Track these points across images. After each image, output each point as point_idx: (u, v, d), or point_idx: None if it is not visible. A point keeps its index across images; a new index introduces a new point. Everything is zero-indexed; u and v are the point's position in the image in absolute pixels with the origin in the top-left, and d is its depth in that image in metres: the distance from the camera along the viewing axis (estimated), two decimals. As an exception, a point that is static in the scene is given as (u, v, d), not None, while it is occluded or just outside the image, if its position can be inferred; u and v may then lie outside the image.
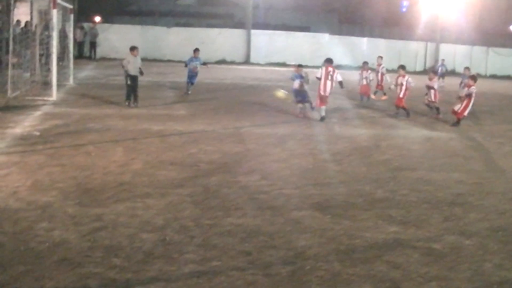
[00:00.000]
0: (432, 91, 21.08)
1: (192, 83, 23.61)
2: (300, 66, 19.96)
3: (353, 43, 47.42)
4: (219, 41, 46.40)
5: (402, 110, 20.72)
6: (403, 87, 20.67)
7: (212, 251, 7.38)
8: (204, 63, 23.83)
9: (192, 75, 23.48)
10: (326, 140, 15.76)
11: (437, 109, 21.15)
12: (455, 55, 48.91)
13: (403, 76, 20.93)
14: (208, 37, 45.90)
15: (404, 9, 58.00)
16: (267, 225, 8.45)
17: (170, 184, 10.33)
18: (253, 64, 45.93)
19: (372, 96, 24.82)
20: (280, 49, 46.83)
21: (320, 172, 11.95)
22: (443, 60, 41.45)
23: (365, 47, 47.68)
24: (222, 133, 15.75)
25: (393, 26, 54.02)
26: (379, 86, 25.30)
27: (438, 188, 11.18)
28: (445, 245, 8.06)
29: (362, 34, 50.75)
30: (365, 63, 25.25)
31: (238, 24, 50.82)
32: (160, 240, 7.61)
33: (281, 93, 20.40)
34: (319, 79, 18.81)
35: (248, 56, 47.24)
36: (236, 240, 7.79)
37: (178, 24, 50.45)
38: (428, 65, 49.64)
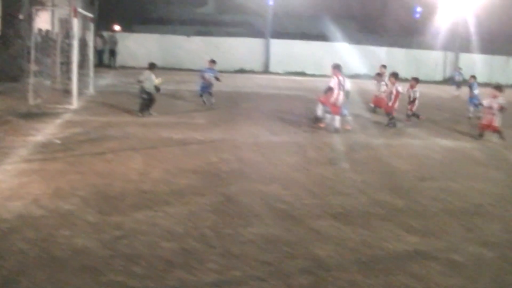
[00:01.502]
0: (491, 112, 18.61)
1: (210, 93, 23.09)
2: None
3: (372, 52, 47.24)
4: (238, 50, 46.54)
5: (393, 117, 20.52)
6: (392, 96, 20.49)
7: (232, 260, 7.36)
8: (217, 78, 23.23)
9: (205, 86, 23.03)
10: (346, 149, 15.70)
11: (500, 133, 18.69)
12: (474, 64, 48.64)
13: (393, 84, 20.76)
14: (227, 46, 46.08)
15: (417, 15, 57.85)
16: (288, 234, 8.42)
17: (191, 193, 10.33)
18: (272, 73, 46.02)
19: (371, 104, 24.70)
20: (299, 58, 46.88)
21: (340, 182, 11.91)
22: (460, 68, 41.26)
23: (384, 56, 47.52)
24: (242, 142, 15.75)
25: (412, 35, 53.84)
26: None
27: (459, 198, 11.10)
28: (466, 256, 7.99)
29: (381, 43, 50.60)
30: (379, 73, 25.04)
31: (257, 33, 50.86)
32: (180, 249, 7.61)
33: (158, 81, 20.13)
34: (332, 89, 18.11)
35: (267, 65, 47.31)
36: (256, 249, 7.77)
37: (197, 33, 50.58)
38: (448, 74, 49.46)
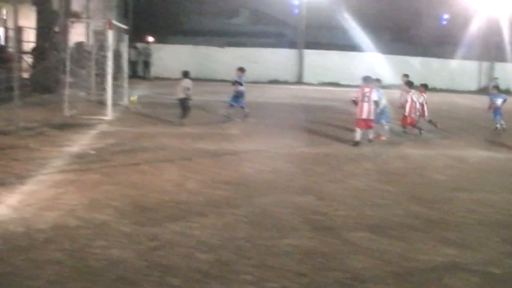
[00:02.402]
0: None
1: (241, 106, 22.32)
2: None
3: (406, 63, 46.84)
4: (272, 61, 46.57)
5: (416, 127, 20.37)
6: (408, 104, 20.30)
7: (268, 272, 7.33)
8: (238, 83, 22.13)
9: (236, 96, 22.13)
10: (381, 160, 15.61)
11: None
12: (511, 74, 48.01)
13: (407, 92, 20.61)
14: (261, 57, 46.13)
15: (444, 22, 57.51)
16: (323, 246, 8.37)
17: (226, 204, 10.32)
18: (305, 83, 45.95)
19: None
20: (333, 68, 46.75)
21: (376, 193, 11.83)
22: (495, 78, 40.82)
23: (418, 66, 47.23)
24: (277, 153, 15.73)
25: (447, 44, 53.45)
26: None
27: (496, 210, 10.95)
28: (505, 269, 7.88)
29: (415, 53, 50.27)
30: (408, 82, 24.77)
31: (291, 44, 50.85)
32: (216, 260, 7.59)
33: (133, 98, 20.07)
34: (356, 102, 17.66)
35: (300, 75, 47.28)
36: (292, 261, 7.73)
37: (230, 44, 50.67)
38: (483, 84, 49.01)
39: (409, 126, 20.45)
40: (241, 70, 22.52)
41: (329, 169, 14.02)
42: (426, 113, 20.92)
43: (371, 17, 54.52)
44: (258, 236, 8.62)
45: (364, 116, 17.29)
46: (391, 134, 19.44)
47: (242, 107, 22.35)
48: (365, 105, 17.29)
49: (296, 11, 51.58)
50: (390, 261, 7.92)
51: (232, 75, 22.53)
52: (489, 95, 24.41)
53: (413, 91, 20.65)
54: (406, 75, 23.23)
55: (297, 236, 8.76)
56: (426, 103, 20.90)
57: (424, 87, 21.30)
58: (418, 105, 20.43)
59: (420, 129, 20.29)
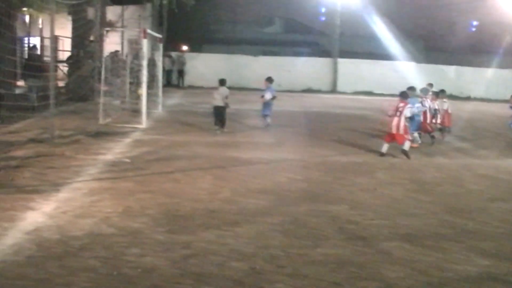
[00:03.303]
0: None
1: (264, 116, 22.18)
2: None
3: (440, 71, 46.53)
4: (305, 70, 46.53)
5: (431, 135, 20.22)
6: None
7: (302, 281, 7.32)
8: (262, 97, 21.95)
9: (264, 106, 22.04)
10: (415, 169, 15.50)
11: None
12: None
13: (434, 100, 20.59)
14: (294, 66, 46.16)
15: (473, 29, 57.13)
16: (357, 255, 8.34)
17: (259, 213, 10.32)
18: (339, 92, 45.82)
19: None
20: (367, 77, 46.53)
21: (410, 202, 11.76)
22: None
23: (453, 75, 46.89)
24: (310, 162, 15.71)
25: (482, 53, 53.01)
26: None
27: (532, 221, 10.86)
28: (542, 281, 7.81)
29: (450, 62, 49.86)
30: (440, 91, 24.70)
31: (324, 52, 50.78)
32: (250, 269, 7.60)
33: (140, 91, 20.15)
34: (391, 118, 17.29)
35: (334, 84, 47.16)
36: (326, 270, 7.70)
37: (264, 53, 50.71)
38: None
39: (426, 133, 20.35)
40: (269, 80, 22.43)
41: (362, 178, 13.96)
42: (439, 121, 20.69)
43: (405, 26, 54.37)
44: (291, 245, 8.61)
45: (393, 130, 16.98)
46: (425, 145, 19.32)
47: (265, 116, 22.20)
48: (395, 120, 16.93)
49: (323, 18, 51.63)
50: (424, 271, 7.87)
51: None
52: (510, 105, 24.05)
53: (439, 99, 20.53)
54: (430, 84, 23.19)
55: (330, 245, 8.74)
56: (438, 110, 20.66)
57: (436, 95, 21.21)
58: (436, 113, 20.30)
59: (432, 137, 20.26)
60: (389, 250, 8.67)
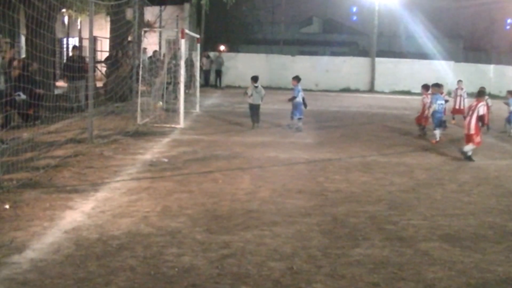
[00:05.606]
0: None
1: (292, 117, 21.38)
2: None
3: (479, 71, 46.09)
4: (344, 69, 46.40)
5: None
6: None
7: (340, 281, 7.24)
8: (289, 100, 21.59)
9: (295, 108, 21.26)
10: (454, 169, 15.30)
11: None
12: None
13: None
14: (333, 65, 46.08)
15: (508, 27, 56.50)
16: (396, 256, 8.24)
17: (298, 213, 10.26)
18: (377, 92, 45.59)
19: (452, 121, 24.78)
20: (405, 77, 46.21)
21: (449, 203, 11.60)
22: None
23: (492, 74, 46.39)
24: (349, 162, 15.60)
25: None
26: (457, 110, 25.69)
27: None
28: None
29: (489, 61, 49.35)
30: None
31: (362, 52, 50.61)
32: (288, 269, 7.54)
33: (159, 104, 20.18)
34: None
35: (372, 84, 46.91)
36: (364, 270, 7.62)
37: (302, 52, 50.72)
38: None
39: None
40: (297, 79, 21.60)
41: (402, 178, 13.82)
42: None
43: (444, 25, 53.96)
44: (329, 245, 8.54)
45: (465, 131, 16.95)
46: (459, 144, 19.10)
47: (293, 118, 21.49)
48: (467, 119, 16.93)
49: (355, 18, 51.51)
50: (464, 272, 7.74)
51: (304, 83, 22.36)
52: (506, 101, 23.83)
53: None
54: (461, 81, 24.28)
55: (369, 245, 8.65)
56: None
57: (426, 89, 21.78)
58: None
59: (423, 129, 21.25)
60: (428, 250, 8.55)
